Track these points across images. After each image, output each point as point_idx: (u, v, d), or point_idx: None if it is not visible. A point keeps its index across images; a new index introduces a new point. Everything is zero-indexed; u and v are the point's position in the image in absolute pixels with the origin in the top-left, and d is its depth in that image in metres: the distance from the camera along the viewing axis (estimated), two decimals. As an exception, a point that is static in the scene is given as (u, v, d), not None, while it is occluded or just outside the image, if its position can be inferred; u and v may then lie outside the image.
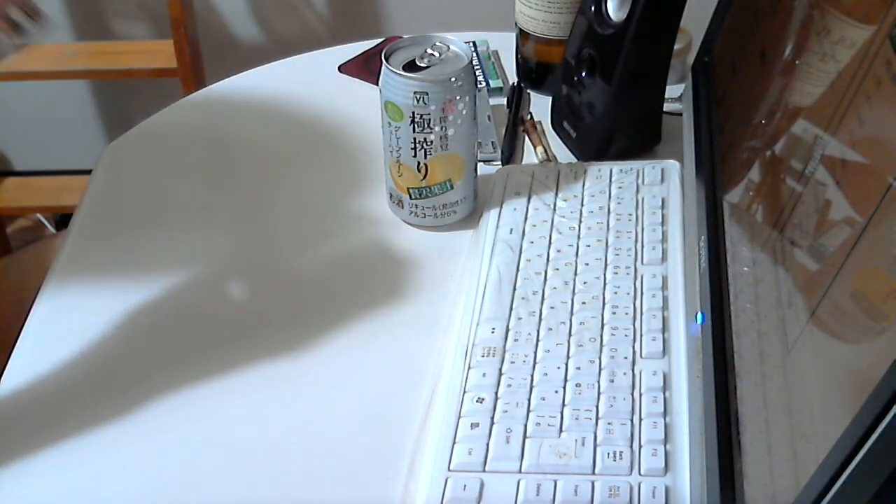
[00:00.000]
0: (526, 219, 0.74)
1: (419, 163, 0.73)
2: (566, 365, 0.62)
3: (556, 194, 0.77)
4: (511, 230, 0.73)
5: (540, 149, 0.85)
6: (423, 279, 0.73)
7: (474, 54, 0.98)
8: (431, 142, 0.72)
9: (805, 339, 0.45)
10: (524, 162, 0.85)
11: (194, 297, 0.72)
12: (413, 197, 0.75)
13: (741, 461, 0.50)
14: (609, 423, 0.58)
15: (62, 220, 1.93)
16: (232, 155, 0.87)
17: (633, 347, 0.63)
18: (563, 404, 0.59)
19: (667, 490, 0.54)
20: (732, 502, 0.49)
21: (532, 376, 0.61)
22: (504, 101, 0.92)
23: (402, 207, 0.76)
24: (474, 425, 0.58)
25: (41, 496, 0.59)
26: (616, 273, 0.68)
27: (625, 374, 0.61)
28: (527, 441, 0.57)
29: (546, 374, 0.61)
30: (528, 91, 0.93)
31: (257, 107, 0.93)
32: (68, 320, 0.70)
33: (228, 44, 1.82)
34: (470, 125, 0.73)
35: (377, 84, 0.72)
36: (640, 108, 0.82)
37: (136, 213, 0.81)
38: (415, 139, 0.72)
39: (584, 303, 0.66)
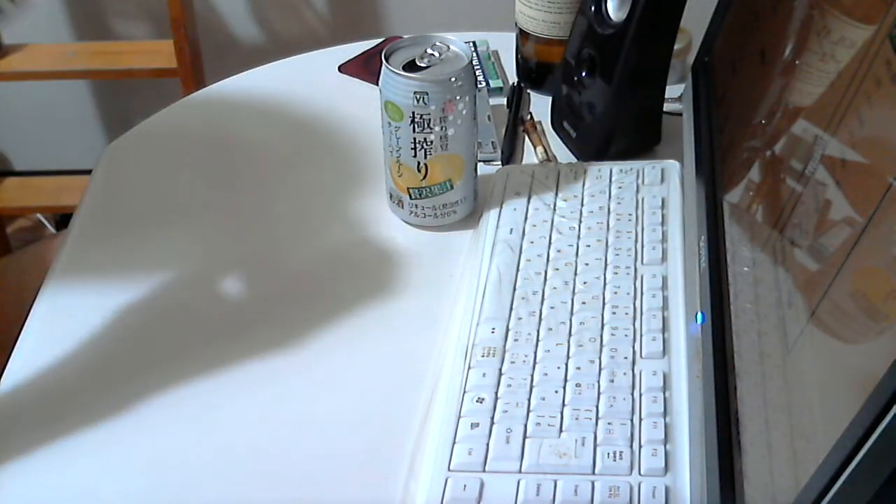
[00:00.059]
0: (526, 219, 0.74)
1: (419, 163, 0.73)
2: (566, 365, 0.62)
3: (556, 194, 0.77)
4: (511, 230, 0.73)
5: (540, 149, 0.85)
6: (423, 279, 0.73)
7: (474, 54, 0.98)
8: (431, 142, 0.72)
9: (805, 339, 0.45)
10: (524, 162, 0.85)
11: (194, 296, 0.72)
12: (413, 197, 0.75)
13: (741, 461, 0.50)
14: (609, 423, 0.58)
15: (62, 220, 1.93)
16: (232, 155, 0.87)
17: (633, 347, 0.63)
18: (563, 404, 0.59)
19: (667, 490, 0.54)
20: (732, 502, 0.49)
21: (532, 376, 0.61)
22: (504, 101, 0.92)
23: (402, 207, 0.76)
24: (474, 425, 0.58)
25: (41, 495, 0.59)
26: (616, 273, 0.68)
27: (625, 374, 0.61)
28: (527, 441, 0.57)
29: (546, 374, 0.61)
30: (528, 91, 0.93)
31: (257, 107, 0.93)
32: (68, 320, 0.70)
33: (228, 44, 1.82)
34: (470, 125, 0.73)
35: (377, 84, 0.72)
36: (640, 108, 0.82)
37: (136, 213, 0.81)
38: (415, 139, 0.72)
39: (584, 303, 0.66)
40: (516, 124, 0.88)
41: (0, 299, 1.22)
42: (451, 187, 0.75)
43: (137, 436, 0.62)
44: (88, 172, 0.87)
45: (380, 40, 1.01)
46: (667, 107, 0.83)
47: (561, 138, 0.87)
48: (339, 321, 0.69)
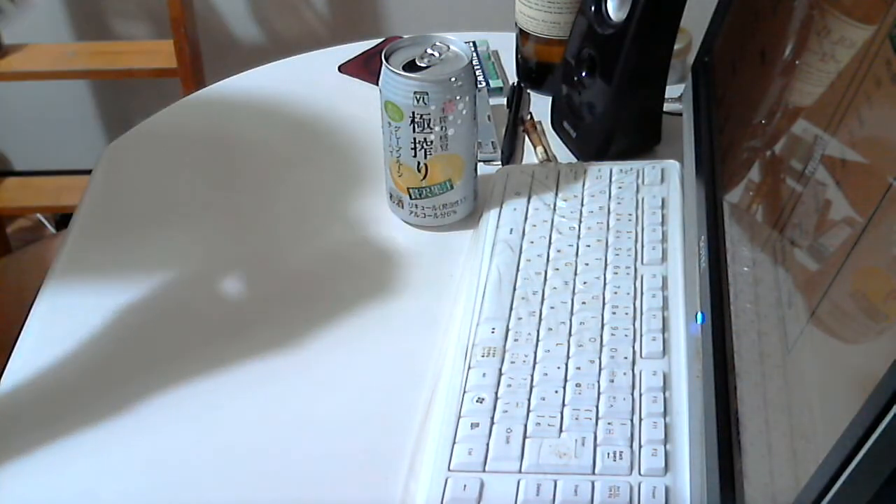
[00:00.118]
0: (526, 219, 0.74)
1: (419, 163, 0.73)
2: (566, 365, 0.62)
3: (556, 194, 0.77)
4: (511, 230, 0.73)
5: (540, 149, 0.85)
6: (423, 279, 0.73)
7: (474, 54, 0.98)
8: (431, 142, 0.72)
9: (805, 339, 0.45)
10: (524, 162, 0.85)
11: (194, 296, 0.72)
12: (413, 197, 0.75)
13: (741, 461, 0.50)
14: (609, 423, 0.58)
15: (62, 220, 1.93)
16: (232, 155, 0.87)
17: (633, 347, 0.63)
18: (563, 404, 0.59)
19: (667, 490, 0.54)
20: (732, 502, 0.49)
21: (532, 376, 0.61)
22: (504, 101, 0.92)
23: (402, 207, 0.76)
24: (474, 425, 0.58)
25: (41, 495, 0.59)
26: (616, 273, 0.68)
27: (625, 374, 0.61)
28: (527, 441, 0.57)
29: (546, 374, 0.61)
30: (528, 91, 0.93)
31: (257, 107, 0.93)
32: (68, 320, 0.70)
33: (228, 44, 1.82)
34: (470, 125, 0.73)
35: (377, 84, 0.72)
36: (640, 108, 0.82)
37: (136, 213, 0.81)
38: (415, 139, 0.72)
39: (584, 303, 0.66)
40: (516, 124, 0.88)
41: (0, 299, 1.22)
42: (451, 187, 0.75)
43: (138, 436, 0.62)
44: (88, 172, 0.87)
45: (380, 40, 1.01)
46: (667, 107, 0.83)
47: (561, 138, 0.87)
48: (339, 321, 0.69)
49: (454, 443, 0.58)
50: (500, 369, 0.62)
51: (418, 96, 0.70)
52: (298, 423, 0.62)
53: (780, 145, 0.57)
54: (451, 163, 0.73)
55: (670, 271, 0.69)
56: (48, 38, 1.78)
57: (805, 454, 0.41)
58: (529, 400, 0.60)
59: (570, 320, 0.65)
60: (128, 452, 0.61)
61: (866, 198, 0.42)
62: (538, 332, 0.64)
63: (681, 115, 0.80)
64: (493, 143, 0.86)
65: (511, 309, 0.66)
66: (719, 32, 0.76)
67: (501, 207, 0.76)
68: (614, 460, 0.56)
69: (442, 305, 0.70)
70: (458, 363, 0.63)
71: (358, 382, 0.65)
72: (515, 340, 0.64)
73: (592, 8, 0.79)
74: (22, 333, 0.69)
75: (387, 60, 0.71)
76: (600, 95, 0.80)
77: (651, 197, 0.75)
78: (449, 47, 0.73)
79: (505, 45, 0.99)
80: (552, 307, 0.66)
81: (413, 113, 0.70)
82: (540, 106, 0.90)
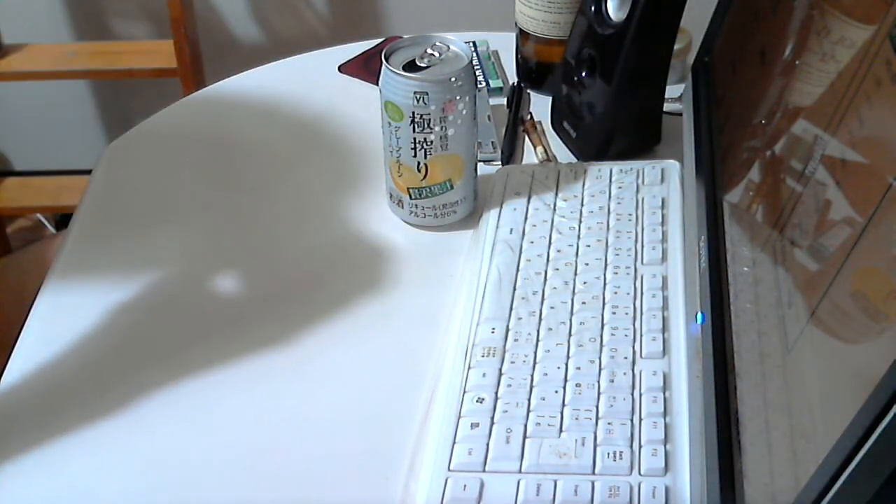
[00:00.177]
0: (526, 219, 0.74)
1: (419, 163, 0.73)
2: (566, 365, 0.62)
3: (556, 194, 0.77)
4: (511, 230, 0.73)
5: (540, 149, 0.85)
6: (423, 279, 0.73)
7: (474, 54, 0.98)
8: (431, 142, 0.72)
9: (805, 339, 0.45)
10: (524, 162, 0.85)
11: (195, 296, 0.72)
12: (413, 197, 0.75)
13: (741, 461, 0.50)
14: (609, 423, 0.58)
15: (62, 220, 1.93)
16: (232, 155, 0.87)
17: (633, 347, 0.63)
18: (563, 404, 0.59)
19: (667, 490, 0.54)
20: (732, 502, 0.49)
21: (532, 376, 0.61)
22: (504, 101, 0.92)
23: (402, 207, 0.76)
24: (474, 425, 0.58)
25: (41, 495, 0.59)
26: (616, 273, 0.68)
27: (625, 374, 0.61)
28: (527, 441, 0.57)
29: (546, 374, 0.61)
30: (528, 91, 0.93)
31: (257, 107, 0.93)
32: (68, 320, 0.70)
33: (228, 44, 1.82)
34: (470, 125, 0.73)
35: (377, 84, 0.72)
36: (640, 108, 0.82)
37: (136, 213, 0.81)
38: (415, 139, 0.72)
39: (584, 303, 0.66)
40: (516, 124, 0.88)
41: (0, 299, 1.22)
42: (451, 187, 0.75)
43: (138, 435, 0.62)
44: (88, 172, 0.87)
45: (380, 40, 1.01)
46: (667, 107, 0.83)
47: (561, 138, 0.87)
48: (340, 321, 0.69)
49: (454, 443, 0.58)
50: (500, 369, 0.62)
51: (418, 96, 0.70)
52: (299, 423, 0.62)
53: (780, 145, 0.57)
54: (451, 163, 0.73)
55: (670, 271, 0.69)
56: (48, 38, 1.78)
57: (805, 454, 0.41)
58: (529, 400, 0.60)
59: (570, 320, 0.65)
60: (128, 452, 0.61)
61: (866, 198, 0.42)
62: (538, 332, 0.64)
63: (681, 115, 0.80)
64: (493, 143, 0.86)
65: (511, 309, 0.66)
66: (719, 32, 0.76)
67: (501, 207, 0.76)
68: (614, 460, 0.56)
69: (442, 305, 0.70)
70: (458, 363, 0.63)
71: (358, 382, 0.65)
72: (515, 340, 0.64)
73: (592, 8, 0.79)
74: (22, 333, 0.70)
75: (387, 60, 0.71)
76: (600, 95, 0.80)
77: (651, 197, 0.75)
78: (449, 47, 0.73)
79: (505, 45, 0.99)
80: (552, 307, 0.66)
81: (413, 113, 0.70)
82: (540, 106, 0.90)
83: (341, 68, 0.98)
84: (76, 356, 0.68)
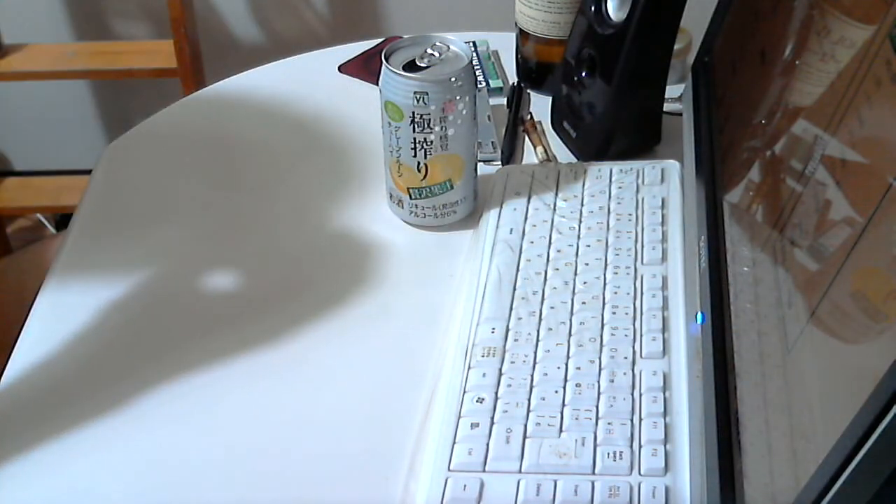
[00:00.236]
0: (526, 219, 0.74)
1: (419, 163, 0.73)
2: (566, 365, 0.62)
3: (556, 194, 0.77)
4: (511, 230, 0.73)
5: (540, 149, 0.85)
6: (423, 279, 0.73)
7: (474, 54, 0.98)
8: (431, 142, 0.72)
9: (805, 339, 0.45)
10: (524, 162, 0.85)
11: (195, 296, 0.72)
12: (413, 197, 0.75)
13: (741, 461, 0.50)
14: (609, 423, 0.58)
15: (62, 220, 1.93)
16: (232, 155, 0.87)
17: (633, 347, 0.63)
18: (563, 404, 0.59)
19: (667, 490, 0.54)
20: (732, 502, 0.49)
21: (532, 376, 0.61)
22: (504, 101, 0.92)
23: (402, 207, 0.76)
24: (474, 425, 0.58)
25: (41, 495, 0.59)
26: (616, 273, 0.68)
27: (625, 374, 0.61)
28: (527, 441, 0.57)
29: (546, 374, 0.61)
30: (528, 91, 0.93)
31: (257, 107, 0.93)
32: (68, 320, 0.70)
33: (228, 44, 1.82)
34: (470, 125, 0.73)
35: (377, 84, 0.72)
36: (640, 108, 0.82)
37: (136, 213, 0.81)
38: (415, 139, 0.72)
39: (584, 303, 0.66)
40: (516, 124, 0.88)
41: (0, 299, 1.22)
42: (451, 187, 0.75)
43: (138, 435, 0.62)
44: (88, 172, 0.87)
45: (380, 40, 1.01)
46: (667, 107, 0.83)
47: (561, 138, 0.87)
48: (340, 321, 0.69)
49: (454, 443, 0.58)
50: (500, 369, 0.62)
51: (418, 96, 0.70)
52: (299, 422, 0.62)
53: (780, 145, 0.57)
54: (451, 163, 0.73)
55: (670, 271, 0.69)
56: (48, 38, 1.78)
57: (805, 454, 0.41)
58: (529, 400, 0.60)
59: (570, 320, 0.65)
60: (128, 452, 0.61)
61: (866, 198, 0.42)
62: (538, 332, 0.64)
63: (681, 115, 0.80)
64: (493, 143, 0.86)
65: (511, 309, 0.66)
66: (719, 32, 0.76)
67: (501, 207, 0.76)
68: (614, 460, 0.56)
69: (442, 305, 0.70)
70: (458, 363, 0.63)
71: (358, 382, 0.65)
72: (515, 340, 0.64)
73: (592, 8, 0.79)
74: (22, 333, 0.70)
75: (387, 60, 0.71)
76: (600, 95, 0.80)
77: (651, 197, 0.75)
78: (449, 47, 0.73)
79: (505, 45, 0.99)
80: (552, 307, 0.66)
81: (413, 113, 0.70)
82: (540, 106, 0.90)
83: (341, 68, 0.98)
84: (76, 356, 0.68)
